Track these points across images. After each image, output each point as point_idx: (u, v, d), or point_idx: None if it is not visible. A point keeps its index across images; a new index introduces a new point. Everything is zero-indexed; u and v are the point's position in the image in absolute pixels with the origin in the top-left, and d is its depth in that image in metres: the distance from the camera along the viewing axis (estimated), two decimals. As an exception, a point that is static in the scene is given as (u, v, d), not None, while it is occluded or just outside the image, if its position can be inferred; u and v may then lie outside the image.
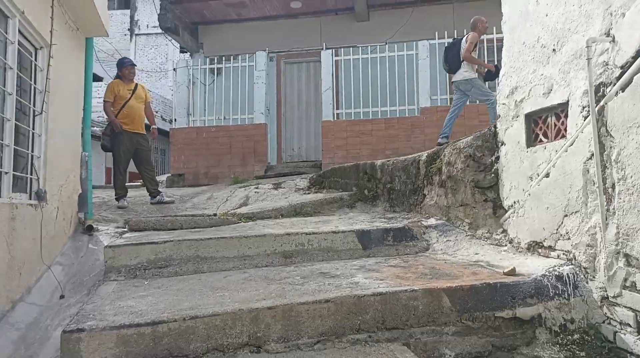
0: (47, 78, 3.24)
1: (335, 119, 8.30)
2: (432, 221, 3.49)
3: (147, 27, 18.79)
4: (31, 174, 3.11)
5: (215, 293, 2.33)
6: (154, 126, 5.64)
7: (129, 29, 19.10)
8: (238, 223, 4.17)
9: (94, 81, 5.10)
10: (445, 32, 8.07)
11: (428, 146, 7.60)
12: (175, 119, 8.85)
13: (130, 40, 18.68)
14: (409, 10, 9.15)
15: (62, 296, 2.92)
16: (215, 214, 4.40)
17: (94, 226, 4.01)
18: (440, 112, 7.82)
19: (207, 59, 9.19)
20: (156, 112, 16.55)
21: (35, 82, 3.20)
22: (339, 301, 2.10)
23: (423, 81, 8.00)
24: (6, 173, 2.72)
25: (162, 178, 12.24)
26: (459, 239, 3.21)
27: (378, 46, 8.37)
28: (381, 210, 4.37)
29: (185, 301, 2.20)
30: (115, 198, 5.38)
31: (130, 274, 2.89)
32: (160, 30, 11.62)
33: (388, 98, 8.08)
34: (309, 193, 5.42)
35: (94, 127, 11.43)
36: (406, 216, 3.92)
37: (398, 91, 8.06)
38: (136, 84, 5.50)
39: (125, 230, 3.99)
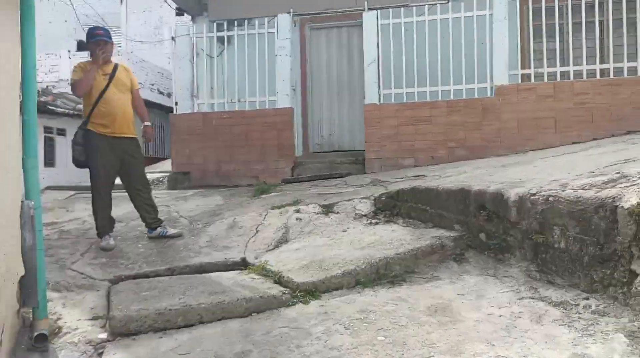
0: None
1: (382, 102, 6.47)
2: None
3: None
4: None
5: None
6: (146, 123, 3.88)
7: (118, -11, 16.90)
8: (293, 304, 2.49)
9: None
10: None
11: (505, 138, 5.85)
12: (176, 103, 7.03)
13: (121, 2, 16.47)
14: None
15: None
16: (247, 269, 2.76)
17: (57, 327, 2.33)
18: (522, 92, 6.01)
19: (214, 24, 7.27)
20: (152, 85, 14.68)
21: None
22: None
23: (499, 51, 6.12)
24: None
25: (163, 166, 10.53)
26: None
27: (438, 5, 6.43)
28: (521, 276, 2.66)
29: None
30: (97, 234, 3.69)
31: None
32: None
33: (451, 74, 6.22)
34: (377, 224, 3.70)
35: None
36: (587, 300, 2.24)
37: (465, 64, 6.19)
38: (115, 65, 3.69)
39: (105, 335, 2.30)
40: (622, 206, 2.14)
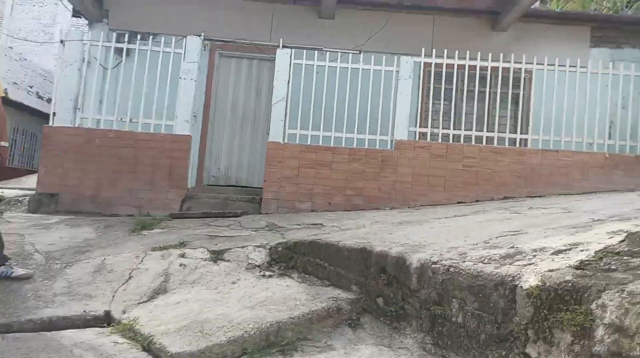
0: None
1: (286, 141, 6.30)
2: None
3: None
4: None
5: None
6: (2, 144, 3.20)
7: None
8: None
9: None
10: (423, 48, 6.55)
11: (400, 191, 6.01)
12: (54, 113, 6.15)
13: (6, -9, 14.62)
14: (384, 15, 7.49)
15: None
16: (110, 327, 2.26)
17: None
18: (418, 149, 6.26)
19: (114, 33, 6.62)
20: (30, 87, 13.03)
21: None
22: None
23: (402, 107, 6.36)
24: None
25: (28, 181, 9.14)
26: None
27: (351, 54, 6.56)
28: (416, 348, 2.54)
29: None
30: None
31: None
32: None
33: (356, 123, 6.31)
34: (272, 277, 3.40)
35: None
36: (480, 381, 2.17)
37: (370, 115, 6.33)
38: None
39: None
40: (521, 287, 2.12)
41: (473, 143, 6.41)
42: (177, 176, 6.14)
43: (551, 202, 4.89)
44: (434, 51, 6.53)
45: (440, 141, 6.39)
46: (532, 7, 7.40)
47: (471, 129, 6.48)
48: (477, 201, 6.16)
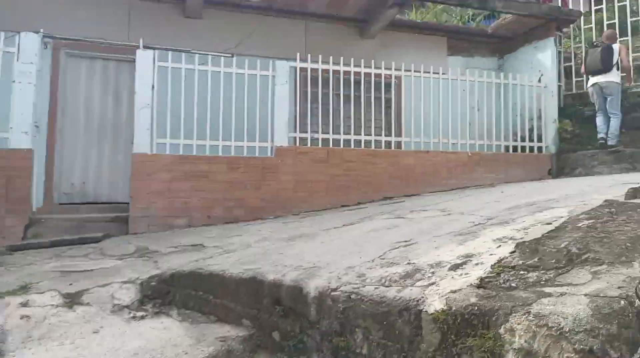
0: None
1: (154, 151, 5.64)
2: None
3: None
4: None
5: None
6: None
7: None
8: None
9: None
10: (298, 53, 6.44)
11: (283, 199, 5.79)
12: None
13: None
14: (255, 18, 7.18)
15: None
16: None
17: None
18: (299, 155, 6.10)
19: None
20: None
21: None
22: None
23: (280, 113, 6.13)
24: None
25: None
26: None
27: (222, 57, 6.11)
28: (320, 384, 2.31)
29: None
30: None
31: None
32: None
33: (233, 130, 5.91)
34: (145, 318, 2.88)
35: None
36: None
37: (247, 122, 5.98)
38: None
39: None
40: (427, 311, 2.00)
41: (352, 146, 6.46)
42: (17, 198, 5.09)
43: (428, 202, 5.08)
44: (309, 56, 6.43)
45: (320, 146, 6.32)
46: (397, 17, 7.75)
47: (349, 133, 6.54)
48: (359, 203, 6.21)
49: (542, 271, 1.96)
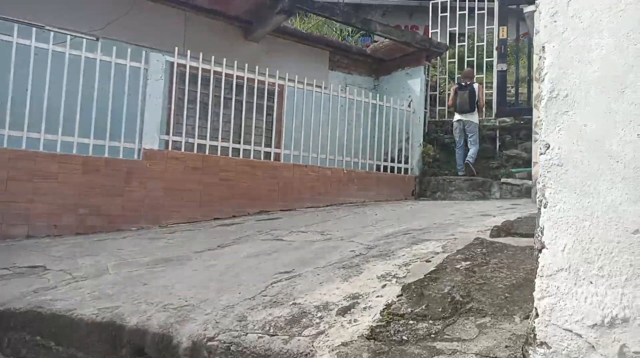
0: None
1: (-13, 144, 4.63)
2: None
3: None
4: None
5: None
6: None
7: None
8: None
9: None
10: (176, 47, 5.94)
11: (150, 208, 5.26)
12: None
13: None
14: (129, 1, 6.40)
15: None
16: None
17: None
18: (172, 161, 5.59)
19: None
20: None
21: None
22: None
23: (152, 112, 5.53)
24: None
25: None
26: None
27: (85, 40, 5.28)
28: None
29: None
30: None
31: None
32: None
33: (92, 126, 5.16)
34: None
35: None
36: None
37: (111, 118, 5.28)
38: None
39: None
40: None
41: (230, 155, 6.13)
42: None
43: (306, 221, 5.01)
44: (188, 52, 5.94)
45: (195, 151, 5.87)
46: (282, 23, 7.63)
47: (228, 141, 6.19)
48: (234, 216, 5.91)
49: (430, 322, 1.95)
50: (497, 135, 8.13)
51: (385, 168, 7.61)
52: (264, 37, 7.61)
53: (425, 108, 8.63)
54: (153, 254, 3.62)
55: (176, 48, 5.89)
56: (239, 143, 6.28)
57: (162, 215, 5.45)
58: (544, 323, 1.54)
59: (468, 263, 2.50)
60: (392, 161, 7.73)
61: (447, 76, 9.36)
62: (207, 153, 5.94)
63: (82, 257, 3.57)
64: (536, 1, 5.89)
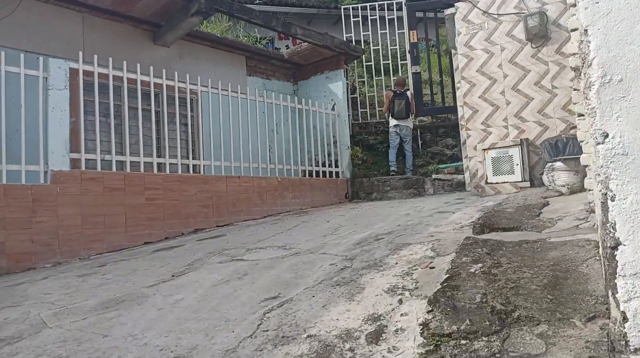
0: None
1: None
2: None
3: None
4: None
5: None
6: None
7: None
8: None
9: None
10: (81, 52, 5.19)
11: (65, 240, 4.52)
12: None
13: None
14: (14, -3, 5.44)
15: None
16: None
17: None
18: (87, 182, 4.82)
19: None
20: None
21: None
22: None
23: (58, 127, 4.72)
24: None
25: None
26: None
27: (-35, 44, 4.32)
28: None
29: None
30: None
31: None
32: None
33: (-16, 147, 4.23)
34: None
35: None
36: None
37: (8, 136, 4.38)
38: None
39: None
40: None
41: (155, 171, 5.48)
42: None
43: (256, 236, 4.61)
44: (95, 57, 5.20)
45: (115, 170, 5.13)
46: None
47: (150, 155, 5.53)
48: (166, 238, 5.28)
49: (484, 339, 1.75)
50: (418, 134, 8.40)
51: (317, 173, 7.42)
52: (175, 41, 7.00)
53: (348, 111, 8.63)
54: (94, 295, 2.98)
55: (80, 53, 5.12)
56: (163, 156, 5.64)
57: (80, 246, 4.65)
58: (637, 328, 1.43)
59: (480, 265, 2.37)
60: (323, 165, 7.57)
61: (365, 79, 9.49)
62: (128, 170, 5.23)
63: (0, 310, 2.81)
64: (455, 4, 6.15)
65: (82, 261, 4.47)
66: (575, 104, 3.18)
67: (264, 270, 3.19)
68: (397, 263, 2.79)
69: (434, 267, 2.54)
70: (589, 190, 3.22)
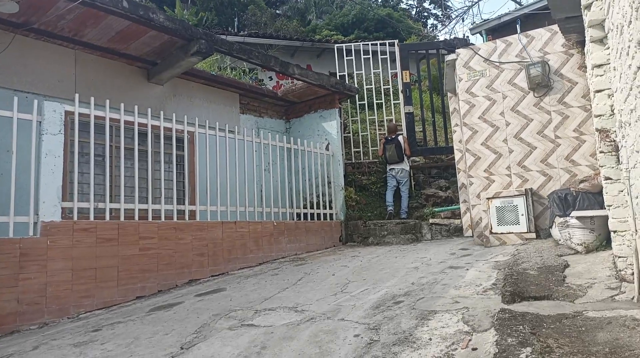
0: None
1: None
2: None
3: None
4: None
5: None
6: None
7: None
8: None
9: None
10: (76, 95, 5.01)
11: (53, 296, 4.20)
12: None
13: None
14: (6, 35, 5.22)
15: None
16: None
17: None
18: (79, 233, 4.53)
19: None
20: None
21: None
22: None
23: (51, 175, 4.45)
24: None
25: None
26: None
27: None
28: None
29: None
30: None
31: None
32: None
33: (-30, 198, 3.93)
34: None
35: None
36: None
37: (-4, 186, 4.10)
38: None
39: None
40: None
41: (150, 218, 5.22)
42: None
43: (261, 293, 4.38)
44: (92, 99, 4.99)
45: (108, 218, 4.86)
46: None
47: (145, 201, 5.29)
48: (159, 291, 5.00)
49: None
50: (411, 174, 8.37)
51: (312, 215, 7.25)
52: (170, 79, 6.86)
53: (342, 150, 8.56)
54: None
55: (77, 95, 4.91)
56: (159, 203, 5.40)
57: (70, 304, 4.33)
58: None
59: (529, 349, 2.23)
60: (317, 206, 7.42)
61: (359, 118, 9.49)
62: (122, 218, 4.96)
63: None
64: (456, 50, 6.22)
65: (72, 321, 4.14)
66: (602, 167, 3.15)
67: (282, 341, 2.97)
68: (430, 339, 2.63)
69: (476, 348, 2.39)
70: (615, 255, 3.17)
